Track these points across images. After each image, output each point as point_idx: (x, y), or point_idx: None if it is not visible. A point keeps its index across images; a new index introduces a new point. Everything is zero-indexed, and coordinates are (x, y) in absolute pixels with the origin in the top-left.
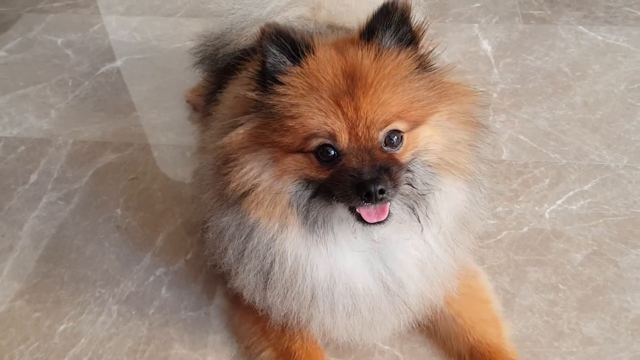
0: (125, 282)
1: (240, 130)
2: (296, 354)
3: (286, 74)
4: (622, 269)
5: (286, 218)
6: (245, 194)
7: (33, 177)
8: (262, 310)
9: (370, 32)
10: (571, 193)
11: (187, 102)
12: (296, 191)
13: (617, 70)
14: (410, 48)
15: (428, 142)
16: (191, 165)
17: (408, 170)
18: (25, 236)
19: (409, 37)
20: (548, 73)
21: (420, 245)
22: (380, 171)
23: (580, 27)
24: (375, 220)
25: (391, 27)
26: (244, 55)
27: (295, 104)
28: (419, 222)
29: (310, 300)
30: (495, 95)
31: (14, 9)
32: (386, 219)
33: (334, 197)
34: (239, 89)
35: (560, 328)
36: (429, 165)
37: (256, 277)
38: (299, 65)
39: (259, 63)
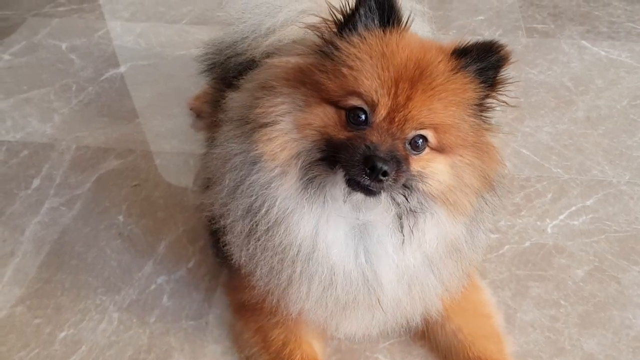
0: (126, 289)
1: (293, 59)
2: None
3: (368, 30)
4: (623, 285)
5: (288, 166)
6: (263, 126)
7: (35, 182)
8: (246, 273)
9: (462, 52)
10: (573, 208)
11: (191, 109)
12: (310, 149)
13: (620, 86)
14: (482, 87)
15: (436, 175)
16: (194, 173)
17: (405, 187)
18: (27, 241)
19: (489, 81)
20: (551, 87)
21: (400, 253)
22: (393, 159)
23: (583, 42)
24: (367, 182)
25: (483, 62)
26: (251, 65)
27: (360, 59)
28: (402, 233)
29: (289, 259)
30: (498, 108)
31: (19, 12)
32: (377, 191)
33: (338, 164)
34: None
35: (561, 344)
36: (426, 194)
37: (243, 219)
38: (384, 31)
39: (349, 9)
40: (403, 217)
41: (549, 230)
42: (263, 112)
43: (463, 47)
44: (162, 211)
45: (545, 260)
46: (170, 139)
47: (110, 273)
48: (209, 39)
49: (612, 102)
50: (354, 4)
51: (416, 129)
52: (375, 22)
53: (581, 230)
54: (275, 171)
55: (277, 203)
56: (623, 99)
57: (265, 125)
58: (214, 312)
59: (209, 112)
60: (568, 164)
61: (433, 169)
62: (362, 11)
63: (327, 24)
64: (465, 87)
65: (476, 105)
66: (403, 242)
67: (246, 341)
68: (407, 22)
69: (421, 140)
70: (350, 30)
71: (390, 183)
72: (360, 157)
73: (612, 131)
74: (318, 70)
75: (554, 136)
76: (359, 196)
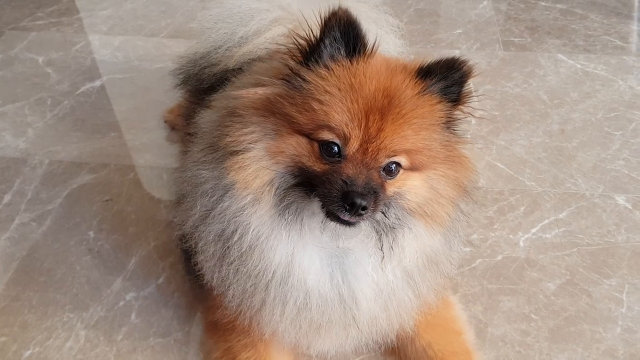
0: (94, 306)
1: (260, 91)
2: None
3: (334, 61)
4: (594, 299)
5: (262, 194)
6: (234, 154)
7: (7, 198)
8: (218, 294)
9: (426, 72)
10: (546, 221)
11: (165, 122)
12: (283, 174)
13: (595, 99)
14: (449, 104)
15: (412, 191)
16: (167, 187)
17: (384, 204)
18: None
19: (455, 97)
20: (526, 100)
21: (379, 271)
22: (370, 191)
23: (560, 55)
24: (347, 218)
25: (447, 79)
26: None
27: (329, 92)
28: (382, 250)
29: (263, 283)
30: (473, 121)
31: None
32: (355, 223)
33: (315, 193)
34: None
35: (531, 359)
36: (404, 209)
37: (215, 243)
38: (350, 61)
39: (315, 38)
40: (382, 234)
41: (521, 243)
42: (233, 141)
43: (426, 67)
44: (133, 226)
45: (517, 274)
46: (145, 152)
47: (78, 290)
48: (183, 51)
49: (587, 115)
50: (318, 34)
51: (389, 156)
52: (342, 52)
53: (553, 243)
54: (248, 198)
55: (250, 230)
56: (598, 112)
57: (236, 153)
58: (183, 329)
59: (183, 125)
60: (542, 177)
61: (409, 187)
62: (327, 41)
63: (292, 52)
64: (433, 108)
65: (444, 122)
66: (383, 260)
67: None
68: (372, 48)
69: (394, 165)
70: (316, 60)
71: (370, 214)
72: (338, 193)
73: (586, 144)
74: (287, 103)
75: (528, 149)
76: (337, 225)
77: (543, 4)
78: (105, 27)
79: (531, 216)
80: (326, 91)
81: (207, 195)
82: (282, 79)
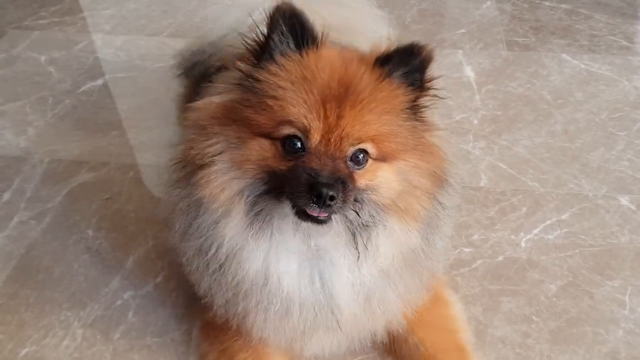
0: (92, 305)
1: (216, 99)
2: None
3: (285, 56)
4: (596, 301)
5: (232, 205)
6: (200, 168)
7: (6, 196)
8: (204, 298)
9: (385, 60)
10: (548, 222)
11: None
12: (252, 183)
13: (599, 99)
14: (412, 89)
15: (384, 184)
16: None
17: (356, 201)
18: None
19: (417, 83)
20: (530, 100)
21: (356, 271)
22: (337, 181)
23: (564, 55)
24: (316, 214)
25: (407, 66)
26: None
27: (283, 87)
28: (357, 249)
29: (242, 293)
30: (476, 121)
31: (0, 25)
32: (326, 220)
33: (284, 194)
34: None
35: None
36: (377, 204)
37: (197, 257)
38: (300, 54)
39: (262, 37)
40: (356, 233)
41: (523, 244)
42: (198, 154)
43: (385, 55)
44: (132, 225)
45: (518, 275)
46: (145, 151)
47: (76, 288)
48: (196, 36)
49: (591, 115)
50: (265, 32)
51: (353, 145)
52: (291, 45)
53: (555, 244)
54: (219, 211)
55: (225, 242)
56: (602, 112)
57: (202, 167)
58: (180, 328)
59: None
60: (544, 177)
61: (380, 179)
62: (275, 37)
63: (243, 55)
64: (394, 93)
65: (409, 108)
66: (358, 259)
67: None
68: (322, 38)
69: (362, 154)
70: (268, 58)
71: (340, 205)
72: (304, 187)
73: (590, 144)
74: (243, 106)
75: (531, 149)
76: (309, 224)
77: (547, 4)
78: (108, 27)
79: (533, 217)
80: (279, 86)
81: (184, 213)
82: (236, 84)
